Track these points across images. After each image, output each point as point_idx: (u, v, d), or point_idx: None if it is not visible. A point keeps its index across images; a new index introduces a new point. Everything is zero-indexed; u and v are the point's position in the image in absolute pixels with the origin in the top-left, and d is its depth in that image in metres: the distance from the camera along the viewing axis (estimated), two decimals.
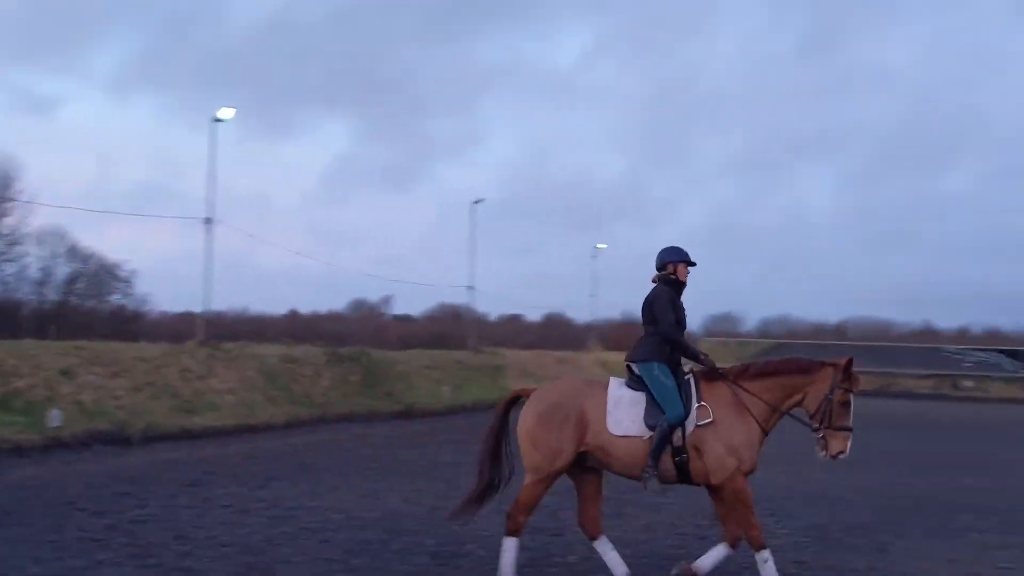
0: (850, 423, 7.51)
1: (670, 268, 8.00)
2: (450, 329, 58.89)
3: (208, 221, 29.67)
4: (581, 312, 73.20)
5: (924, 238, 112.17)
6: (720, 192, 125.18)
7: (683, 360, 7.87)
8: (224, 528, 9.76)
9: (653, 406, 7.46)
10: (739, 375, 7.68)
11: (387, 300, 76.75)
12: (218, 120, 29.96)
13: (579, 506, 7.92)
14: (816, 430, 7.58)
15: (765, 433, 7.57)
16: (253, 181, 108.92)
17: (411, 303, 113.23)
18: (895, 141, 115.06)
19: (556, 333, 72.45)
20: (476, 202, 48.73)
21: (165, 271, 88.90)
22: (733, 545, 7.65)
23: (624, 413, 7.50)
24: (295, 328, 53.52)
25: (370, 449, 18.01)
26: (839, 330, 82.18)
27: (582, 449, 7.53)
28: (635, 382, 7.68)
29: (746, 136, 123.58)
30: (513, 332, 70.98)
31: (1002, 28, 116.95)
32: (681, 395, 7.47)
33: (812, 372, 7.62)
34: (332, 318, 70.58)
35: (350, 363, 28.29)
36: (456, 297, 56.93)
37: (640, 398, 7.54)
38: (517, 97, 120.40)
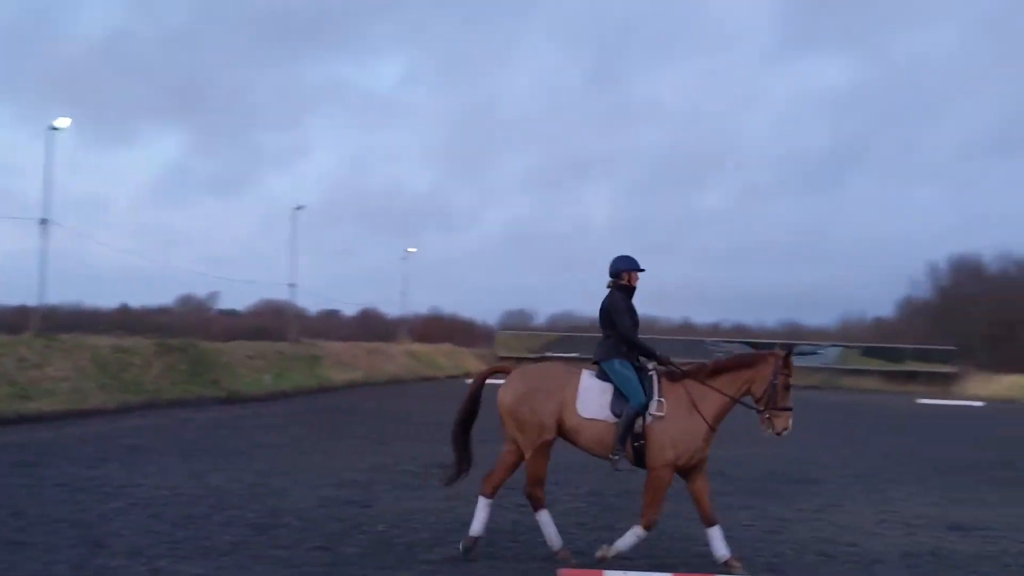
0: (791, 404, 7.68)
1: (624, 276, 8.04)
2: (272, 322, 57.71)
3: (44, 222, 29.38)
4: (392, 308, 73.11)
5: (685, 246, 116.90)
6: (516, 204, 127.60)
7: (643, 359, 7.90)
8: (58, 505, 9.33)
9: (618, 396, 7.55)
10: (699, 374, 7.78)
11: (213, 296, 75.12)
12: (55, 128, 29.42)
13: (493, 469, 7.96)
14: (761, 412, 7.69)
15: (712, 428, 7.66)
16: (89, 186, 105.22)
17: (237, 299, 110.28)
18: (663, 163, 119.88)
19: (370, 326, 72.08)
20: (298, 208, 48.58)
21: (2, 268, 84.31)
22: (707, 523, 7.65)
23: (593, 399, 7.57)
24: (126, 321, 51.23)
25: (196, 432, 17.51)
26: None
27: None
28: (603, 374, 7.75)
29: (539, 156, 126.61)
30: (330, 325, 70.39)
31: (751, 69, 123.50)
32: (644, 386, 7.56)
33: (757, 363, 7.77)
34: (161, 312, 68.21)
35: (178, 353, 27.37)
36: (279, 293, 56.03)
37: (608, 388, 7.63)
38: (338, 115, 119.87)
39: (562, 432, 7.64)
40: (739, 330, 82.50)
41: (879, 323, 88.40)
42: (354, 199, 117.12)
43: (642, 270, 8.09)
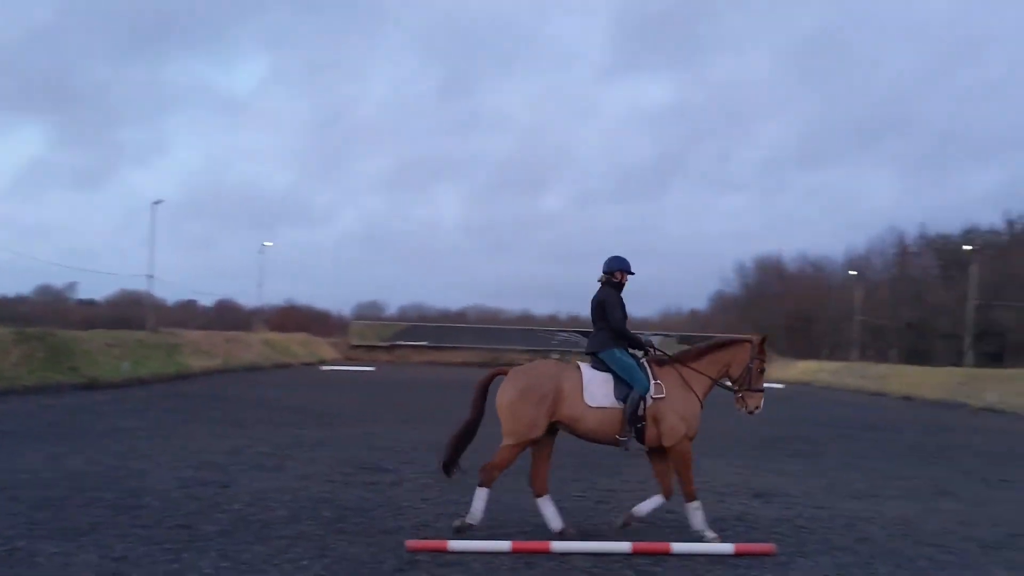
0: (763, 386, 7.96)
1: (617, 274, 8.12)
2: (131, 312, 55.48)
3: None
4: (249, 299, 71.49)
5: (526, 244, 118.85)
6: (371, 203, 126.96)
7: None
8: None
9: (620, 383, 7.62)
10: (684, 358, 7.98)
11: (72, 286, 71.90)
12: None
13: (532, 467, 7.80)
14: (736, 392, 7.97)
15: (702, 407, 7.82)
16: None
17: (96, 290, 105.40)
18: (508, 169, 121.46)
19: (227, 316, 70.36)
20: (156, 203, 46.88)
21: None
22: (667, 496, 7.85)
23: (597, 389, 7.60)
24: None
25: (54, 417, 16.60)
26: (460, 315, 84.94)
27: (554, 420, 7.57)
28: (600, 365, 7.79)
29: (393, 158, 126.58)
30: (189, 315, 68.44)
31: (587, 86, 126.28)
32: (643, 372, 7.70)
33: (733, 347, 8.03)
34: (19, 301, 64.76)
35: (36, 341, 25.83)
36: (138, 285, 53.95)
37: (608, 378, 7.67)
38: (200, 114, 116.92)
39: (561, 423, 7.63)
40: (573, 320, 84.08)
41: (694, 315, 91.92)
42: (214, 195, 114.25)
43: (632, 273, 8.23)
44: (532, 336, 68.48)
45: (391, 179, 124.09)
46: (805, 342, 71.69)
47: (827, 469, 12.94)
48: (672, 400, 7.67)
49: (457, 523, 7.59)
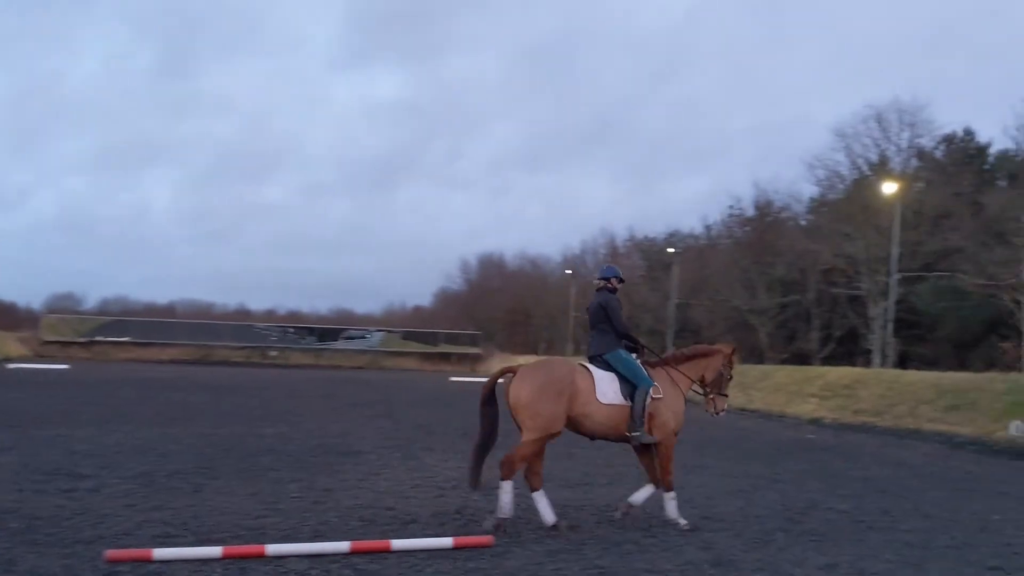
0: (728, 391, 9.13)
1: (613, 281, 8.96)
2: None
3: None
4: None
5: (245, 236, 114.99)
6: (71, 186, 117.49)
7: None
8: None
9: (625, 381, 8.32)
10: (670, 361, 8.92)
11: None
12: None
13: (528, 463, 8.12)
14: (707, 395, 9.03)
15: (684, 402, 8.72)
16: None
17: None
18: (229, 155, 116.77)
19: None
20: None
21: None
22: (657, 485, 8.59)
23: (607, 387, 8.24)
24: None
25: None
26: (169, 309, 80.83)
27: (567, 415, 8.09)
28: (604, 365, 8.43)
29: (100, 139, 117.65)
30: None
31: (317, 74, 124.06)
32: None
33: (711, 355, 9.05)
34: None
35: None
36: None
37: (613, 377, 8.34)
38: None
39: (571, 419, 8.15)
40: (293, 316, 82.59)
41: (418, 310, 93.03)
42: None
43: (623, 280, 9.19)
44: (248, 332, 66.43)
45: (96, 161, 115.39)
46: (524, 337, 74.61)
47: (544, 460, 13.46)
48: (666, 398, 8.49)
49: (489, 522, 7.97)
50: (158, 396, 24.84)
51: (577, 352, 65.33)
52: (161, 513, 8.17)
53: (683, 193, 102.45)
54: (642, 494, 8.71)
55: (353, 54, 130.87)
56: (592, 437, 8.54)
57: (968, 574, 7.11)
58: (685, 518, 8.57)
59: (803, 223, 50.09)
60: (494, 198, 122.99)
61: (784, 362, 41.88)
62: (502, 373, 8.45)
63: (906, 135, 42.86)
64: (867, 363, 38.05)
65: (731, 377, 9.16)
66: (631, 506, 8.69)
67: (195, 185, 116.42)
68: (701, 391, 9.09)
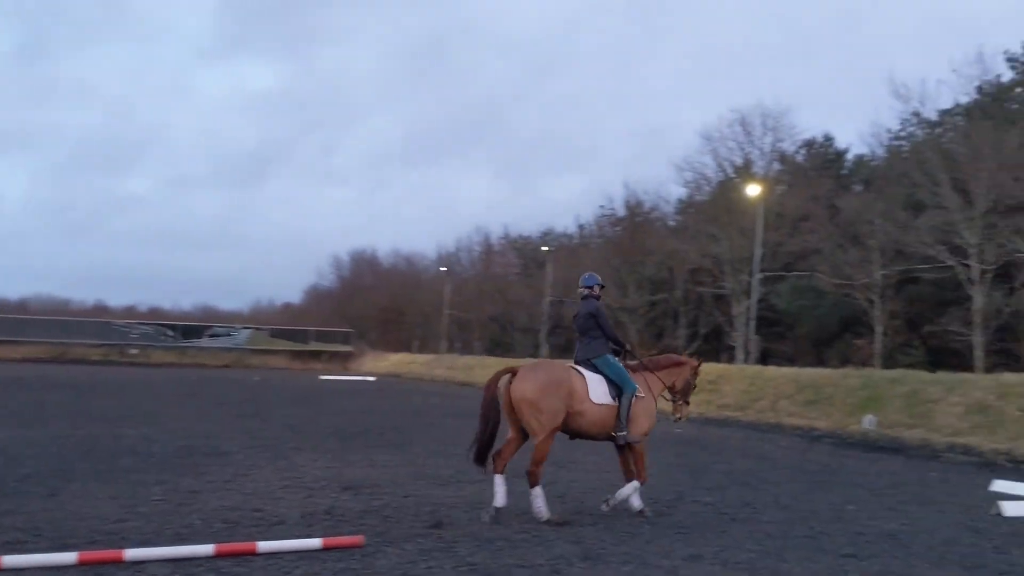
0: (690, 400, 10.04)
1: (596, 288, 9.66)
2: None
3: None
4: None
5: (105, 229, 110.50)
6: None
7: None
8: None
9: (612, 384, 8.99)
10: (648, 366, 9.66)
11: None
12: None
13: (503, 446, 8.75)
14: (675, 401, 9.85)
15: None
16: None
17: None
18: (89, 145, 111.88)
19: None
20: None
21: None
22: (640, 480, 9.25)
23: (599, 388, 8.91)
24: None
25: None
26: (21, 305, 77.09)
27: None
28: (591, 368, 9.07)
29: None
30: None
31: (184, 63, 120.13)
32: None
33: (682, 364, 9.93)
34: None
35: None
36: None
37: (602, 379, 8.99)
38: None
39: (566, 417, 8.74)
40: (155, 312, 80.00)
41: (288, 308, 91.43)
42: None
43: (603, 286, 9.92)
44: (106, 329, 63.89)
45: None
46: (398, 335, 74.18)
47: (415, 458, 13.47)
48: (645, 400, 9.25)
49: (544, 519, 8.46)
50: (10, 396, 23.63)
51: (451, 349, 65.45)
52: (12, 518, 7.78)
53: (558, 192, 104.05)
54: (627, 489, 9.29)
55: (224, 43, 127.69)
56: (577, 435, 9.12)
57: (824, 562, 7.43)
58: (556, 512, 8.70)
59: (671, 224, 51.43)
60: (369, 194, 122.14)
61: (656, 355, 42.85)
62: (502, 374, 9.02)
63: (769, 139, 44.55)
64: (731, 359, 39.35)
65: (695, 387, 10.10)
66: (619, 500, 9.26)
67: (53, 175, 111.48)
68: (670, 397, 9.88)
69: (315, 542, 7.14)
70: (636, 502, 9.23)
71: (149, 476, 10.68)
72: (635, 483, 9.22)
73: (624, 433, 8.95)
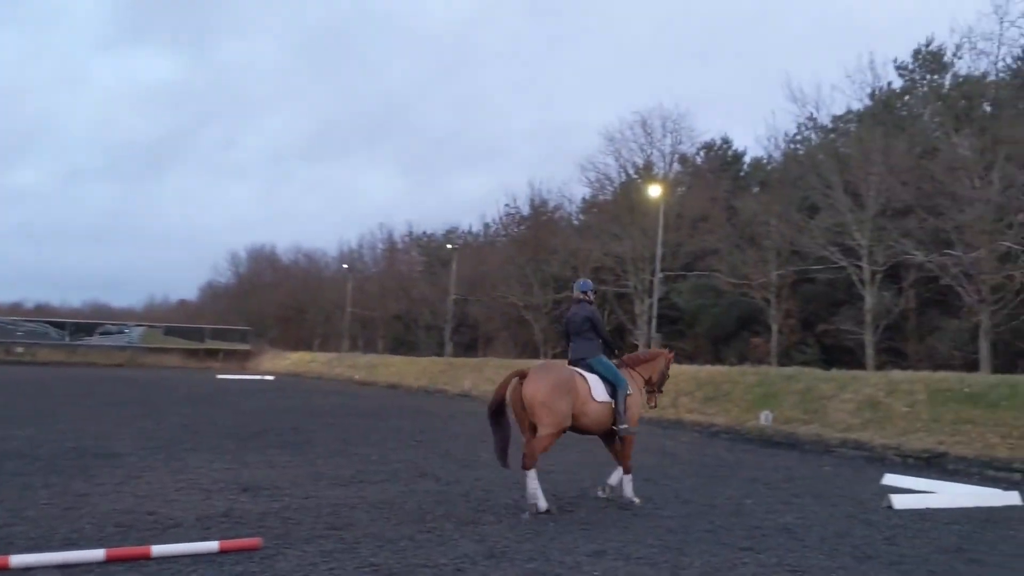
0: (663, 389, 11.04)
1: (589, 293, 10.24)
2: None
3: None
4: None
5: None
6: None
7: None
8: None
9: (607, 383, 9.65)
10: (631, 363, 10.49)
11: None
12: None
13: (525, 446, 9.24)
14: (651, 392, 10.67)
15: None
16: None
17: None
18: None
19: None
20: None
21: None
22: (627, 472, 10.08)
23: (598, 387, 9.55)
24: None
25: None
26: None
27: None
28: (586, 368, 9.70)
29: None
30: None
31: (77, 52, 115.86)
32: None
33: (658, 359, 10.87)
34: None
35: None
36: None
37: (598, 379, 9.62)
38: None
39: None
40: (42, 309, 77.19)
41: (183, 305, 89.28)
42: None
43: (596, 291, 10.60)
44: None
45: None
46: (298, 333, 73.09)
47: (315, 458, 13.28)
48: (634, 395, 10.00)
49: (528, 513, 8.91)
50: None
51: (354, 348, 64.82)
52: None
53: (463, 190, 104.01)
54: (615, 476, 10.26)
55: (120, 32, 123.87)
56: (580, 432, 9.72)
57: (723, 555, 7.59)
58: (464, 510, 8.70)
59: (575, 223, 51.92)
60: (269, 189, 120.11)
61: (557, 356, 43.25)
62: (512, 377, 9.54)
63: (669, 141, 45.34)
64: None
65: (668, 376, 11.03)
66: (612, 488, 10.22)
67: None
68: (647, 388, 10.63)
69: (212, 545, 6.97)
70: (628, 491, 10.04)
71: (36, 479, 10.30)
72: (627, 476, 10.06)
73: (625, 426, 9.69)
